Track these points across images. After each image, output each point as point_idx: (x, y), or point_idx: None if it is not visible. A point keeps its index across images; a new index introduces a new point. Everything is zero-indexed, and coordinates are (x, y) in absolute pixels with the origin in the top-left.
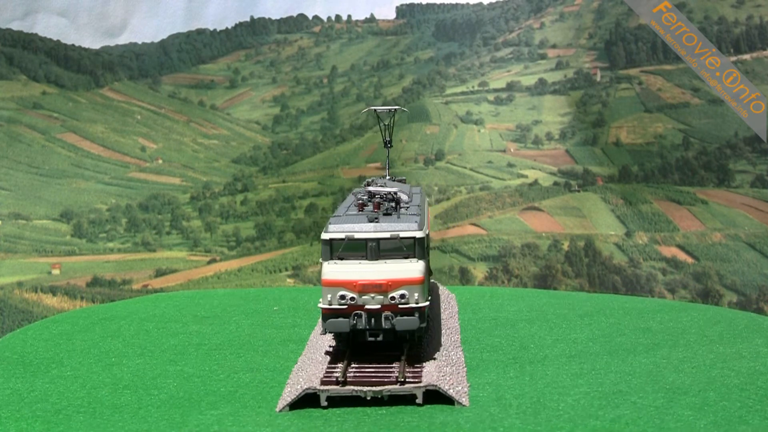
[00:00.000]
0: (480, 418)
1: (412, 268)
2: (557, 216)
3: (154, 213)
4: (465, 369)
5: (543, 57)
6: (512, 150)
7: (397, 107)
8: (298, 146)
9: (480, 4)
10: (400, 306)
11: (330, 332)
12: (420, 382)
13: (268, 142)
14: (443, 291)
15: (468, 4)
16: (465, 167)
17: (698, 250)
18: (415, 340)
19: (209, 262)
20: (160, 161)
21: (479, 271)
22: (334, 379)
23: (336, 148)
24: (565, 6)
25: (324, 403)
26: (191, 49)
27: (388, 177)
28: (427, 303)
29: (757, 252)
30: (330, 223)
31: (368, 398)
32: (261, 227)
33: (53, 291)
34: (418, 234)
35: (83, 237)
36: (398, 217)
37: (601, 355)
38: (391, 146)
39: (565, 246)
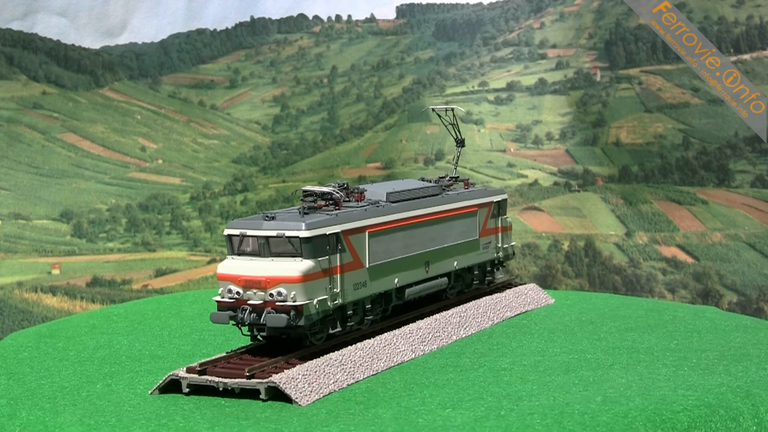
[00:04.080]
0: (282, 417)
1: (292, 267)
2: (557, 216)
3: (154, 213)
4: (372, 372)
5: (543, 57)
6: (512, 150)
7: (453, 106)
8: (298, 146)
9: (480, 4)
10: (277, 303)
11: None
12: (267, 378)
13: (268, 142)
14: (535, 294)
15: (468, 4)
16: (465, 167)
17: (698, 250)
18: (307, 337)
19: (209, 262)
20: (160, 161)
21: None
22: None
23: (336, 148)
24: (565, 6)
25: (185, 389)
26: (191, 49)
27: (449, 176)
28: (309, 302)
29: (757, 252)
30: (232, 220)
31: (221, 389)
32: None
33: (53, 291)
34: (304, 234)
35: (83, 237)
36: (302, 217)
37: (548, 372)
38: (464, 145)
39: (565, 246)
